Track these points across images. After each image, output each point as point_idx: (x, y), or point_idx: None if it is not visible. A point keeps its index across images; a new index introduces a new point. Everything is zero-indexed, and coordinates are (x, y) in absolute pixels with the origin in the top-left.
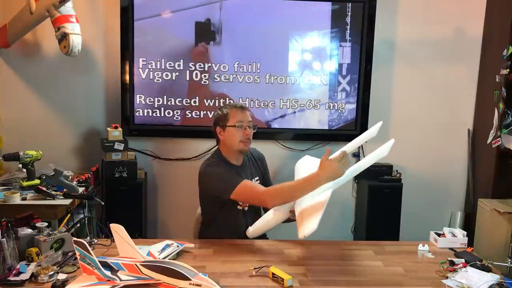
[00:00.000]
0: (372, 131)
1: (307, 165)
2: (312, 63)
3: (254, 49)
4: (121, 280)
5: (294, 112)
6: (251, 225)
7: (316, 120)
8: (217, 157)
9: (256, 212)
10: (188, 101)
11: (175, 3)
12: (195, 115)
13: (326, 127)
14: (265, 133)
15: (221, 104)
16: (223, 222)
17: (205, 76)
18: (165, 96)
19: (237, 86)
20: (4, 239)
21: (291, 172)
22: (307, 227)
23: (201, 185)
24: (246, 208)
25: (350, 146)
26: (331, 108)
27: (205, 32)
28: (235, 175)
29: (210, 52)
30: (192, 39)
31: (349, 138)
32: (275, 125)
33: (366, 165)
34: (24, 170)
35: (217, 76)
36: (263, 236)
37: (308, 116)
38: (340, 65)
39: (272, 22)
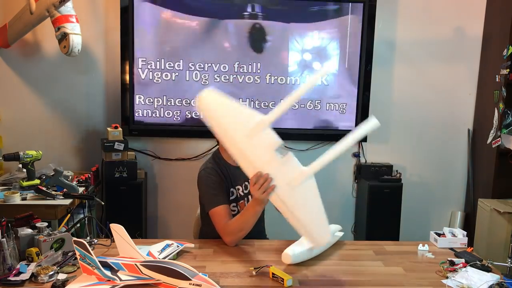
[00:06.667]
0: (367, 127)
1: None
2: (312, 63)
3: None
4: (121, 280)
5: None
6: None
7: (317, 120)
8: (213, 160)
9: None
10: (188, 101)
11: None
12: (195, 115)
13: (326, 127)
14: None
15: None
16: None
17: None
18: (165, 96)
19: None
20: (4, 239)
21: None
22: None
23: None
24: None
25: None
26: (331, 108)
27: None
28: (220, 192)
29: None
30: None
31: None
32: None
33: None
34: (24, 170)
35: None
36: (263, 236)
37: (309, 115)
38: (340, 65)
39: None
